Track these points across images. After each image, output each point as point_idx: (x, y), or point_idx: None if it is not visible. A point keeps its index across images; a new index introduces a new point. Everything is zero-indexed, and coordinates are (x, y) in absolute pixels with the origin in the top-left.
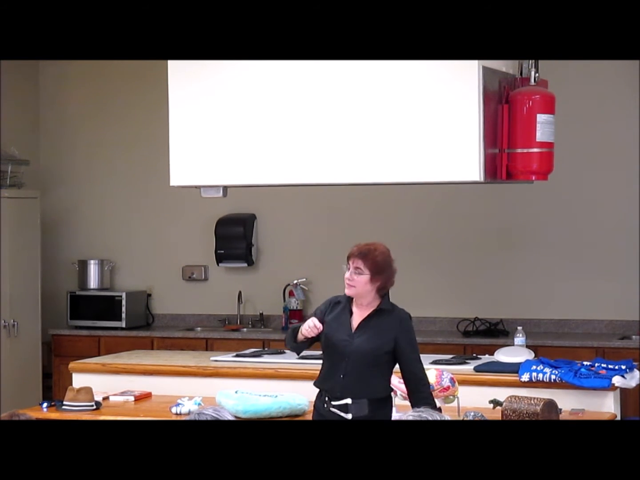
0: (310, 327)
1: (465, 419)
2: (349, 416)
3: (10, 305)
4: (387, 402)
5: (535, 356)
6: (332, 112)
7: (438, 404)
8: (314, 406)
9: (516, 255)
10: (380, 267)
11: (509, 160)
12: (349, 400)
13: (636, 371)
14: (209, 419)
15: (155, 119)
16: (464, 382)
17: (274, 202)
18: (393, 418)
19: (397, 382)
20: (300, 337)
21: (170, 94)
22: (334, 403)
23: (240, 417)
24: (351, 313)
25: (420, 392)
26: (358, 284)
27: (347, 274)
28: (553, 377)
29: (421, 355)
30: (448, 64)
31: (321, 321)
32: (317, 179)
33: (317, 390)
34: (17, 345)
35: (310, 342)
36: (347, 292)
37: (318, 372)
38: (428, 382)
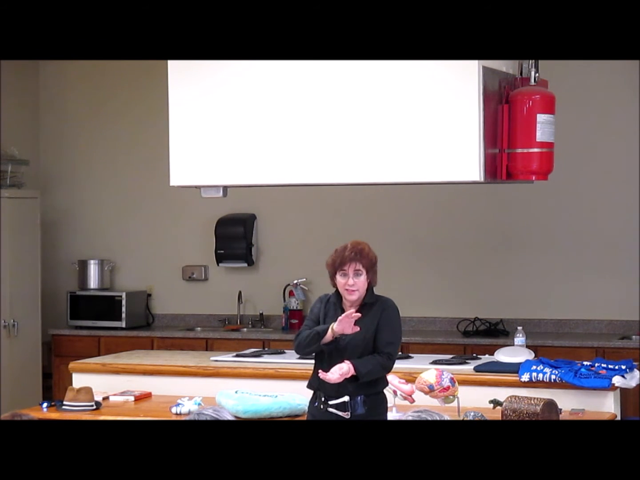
0: (345, 323)
1: (465, 419)
2: (347, 414)
3: (10, 305)
4: (382, 399)
5: (535, 356)
6: (332, 112)
7: (438, 404)
8: (308, 409)
9: (516, 255)
10: (372, 263)
11: (509, 160)
12: (346, 398)
13: (636, 371)
14: (208, 419)
15: (155, 119)
16: (464, 382)
17: (274, 202)
18: (393, 418)
19: (397, 382)
20: (329, 337)
21: (170, 94)
22: (331, 402)
23: (240, 417)
24: (342, 311)
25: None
26: (361, 287)
27: (349, 280)
28: (553, 377)
29: (421, 356)
30: (448, 64)
31: (318, 321)
32: (317, 179)
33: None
34: (17, 345)
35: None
36: (350, 298)
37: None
38: (387, 361)
